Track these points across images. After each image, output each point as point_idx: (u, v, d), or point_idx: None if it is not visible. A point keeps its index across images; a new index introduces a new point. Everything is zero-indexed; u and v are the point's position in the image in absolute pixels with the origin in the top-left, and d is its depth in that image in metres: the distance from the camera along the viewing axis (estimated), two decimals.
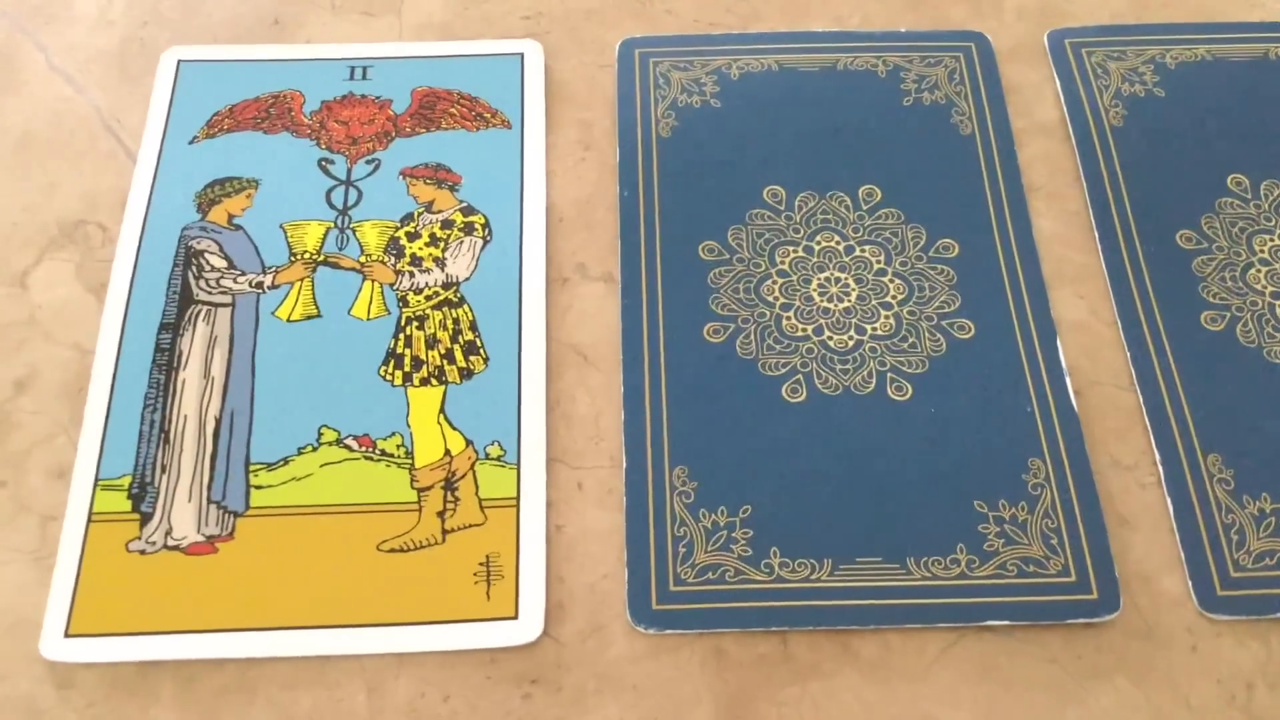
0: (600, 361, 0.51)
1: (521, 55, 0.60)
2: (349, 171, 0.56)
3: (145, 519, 0.47)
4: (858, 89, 0.58)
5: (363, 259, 0.53)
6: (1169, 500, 0.48)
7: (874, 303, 0.52)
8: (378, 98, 0.58)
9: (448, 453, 0.49)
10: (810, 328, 0.51)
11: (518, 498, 0.48)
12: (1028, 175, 0.56)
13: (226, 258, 0.53)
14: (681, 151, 0.56)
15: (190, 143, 0.57)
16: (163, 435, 0.49)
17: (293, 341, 0.51)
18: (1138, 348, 0.51)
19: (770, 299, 0.52)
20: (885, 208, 0.55)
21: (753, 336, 0.51)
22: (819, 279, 0.53)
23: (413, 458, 0.48)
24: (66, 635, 0.44)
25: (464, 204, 0.55)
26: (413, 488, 0.48)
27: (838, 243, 0.54)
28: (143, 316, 0.52)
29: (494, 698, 0.44)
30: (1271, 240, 0.54)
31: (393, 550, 0.46)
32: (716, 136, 0.57)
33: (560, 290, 0.53)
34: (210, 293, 0.52)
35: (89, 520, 0.47)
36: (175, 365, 0.50)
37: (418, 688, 0.44)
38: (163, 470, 0.48)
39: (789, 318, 0.52)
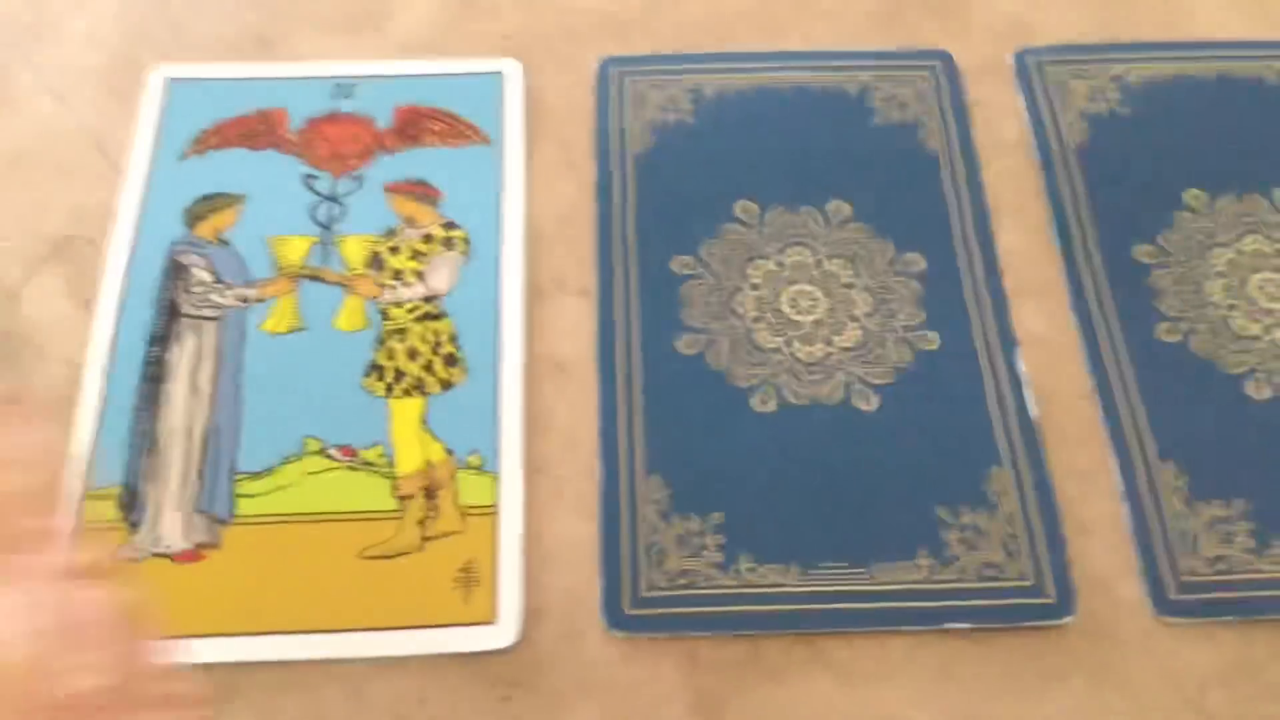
0: (577, 373, 0.53)
1: (502, 74, 0.61)
2: (333, 187, 0.57)
3: (134, 527, 0.48)
4: (828, 107, 0.60)
5: (346, 273, 0.55)
6: (1125, 507, 0.49)
7: (842, 315, 0.54)
8: (361, 115, 0.60)
9: (428, 462, 0.50)
10: (780, 340, 0.53)
11: (496, 506, 0.49)
12: (992, 192, 0.58)
13: (213, 272, 0.55)
14: (657, 168, 0.58)
15: (178, 159, 0.58)
16: (151, 446, 0.50)
17: (278, 354, 0.52)
18: (1096, 359, 0.53)
19: (741, 312, 0.54)
20: (854, 223, 0.56)
21: (724, 349, 0.53)
22: (789, 292, 0.54)
23: (394, 467, 0.50)
24: None
25: (445, 219, 0.56)
26: (394, 496, 0.49)
27: (808, 257, 0.55)
28: (131, 330, 0.53)
29: (472, 701, 0.45)
30: (1227, 254, 0.56)
31: (374, 557, 0.48)
32: (691, 154, 0.58)
33: (539, 304, 0.55)
34: (198, 307, 0.54)
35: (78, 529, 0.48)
36: (163, 378, 0.52)
37: (398, 691, 0.46)
38: (151, 480, 0.49)
39: (760, 330, 0.53)
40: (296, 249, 0.55)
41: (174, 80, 0.61)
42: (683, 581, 0.47)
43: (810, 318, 0.54)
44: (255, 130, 0.59)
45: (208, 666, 0.46)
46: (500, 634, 0.46)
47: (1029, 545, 0.48)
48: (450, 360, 0.52)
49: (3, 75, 0.62)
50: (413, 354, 0.52)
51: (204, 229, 0.56)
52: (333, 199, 0.57)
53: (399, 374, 0.52)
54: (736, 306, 0.54)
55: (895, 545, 0.48)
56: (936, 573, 0.47)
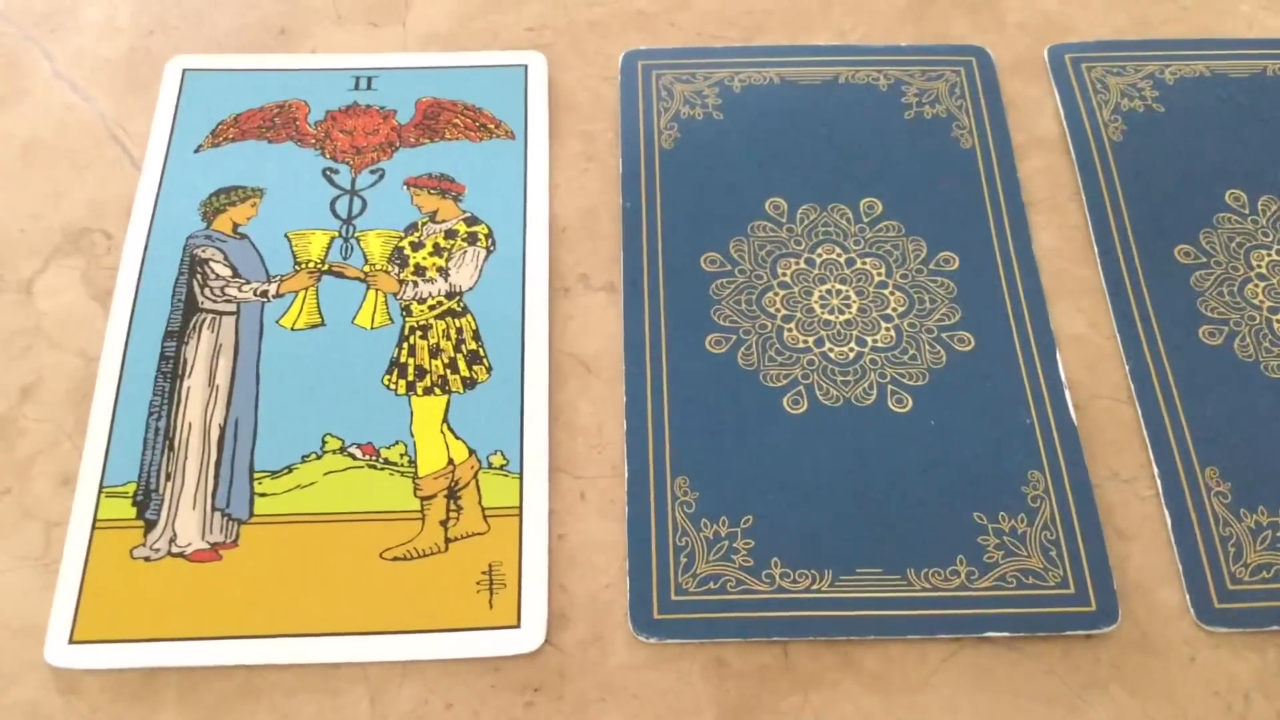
0: (602, 371, 0.52)
1: (525, 67, 0.60)
2: (353, 181, 0.56)
3: (150, 526, 0.47)
4: (859, 102, 0.59)
5: (367, 268, 0.54)
6: (1167, 513, 0.48)
7: (875, 315, 0.53)
8: (382, 108, 0.59)
9: (451, 462, 0.49)
10: (811, 339, 0.52)
11: (520, 507, 0.48)
12: (1028, 189, 0.57)
13: (231, 266, 0.54)
14: (684, 163, 0.57)
15: (195, 151, 0.57)
16: (167, 442, 0.49)
17: (297, 350, 0.51)
18: (1136, 361, 0.51)
19: (772, 310, 0.53)
20: (886, 220, 0.55)
21: (754, 348, 0.51)
22: (820, 291, 0.53)
23: (416, 466, 0.49)
24: (71, 642, 0.45)
25: (467, 214, 0.55)
26: (416, 496, 0.48)
27: (839, 255, 0.54)
28: (148, 324, 0.52)
29: (496, 706, 0.44)
30: (1269, 255, 0.54)
31: (396, 558, 0.47)
32: (719, 149, 0.57)
33: (563, 300, 0.54)
34: (215, 301, 0.53)
35: (94, 527, 0.47)
36: (180, 373, 0.51)
37: (420, 695, 0.44)
38: (167, 477, 0.48)
39: (790, 329, 0.52)
40: (316, 243, 0.54)
41: (192, 71, 0.60)
42: (712, 586, 0.46)
43: (842, 317, 0.52)
44: (274, 122, 0.58)
45: (226, 669, 0.45)
46: (525, 638, 0.45)
47: (1069, 552, 0.47)
48: (473, 357, 0.51)
49: (19, 65, 0.61)
50: (435, 351, 0.51)
51: (222, 222, 0.55)
52: (353, 193, 0.56)
53: (420, 371, 0.51)
54: (766, 305, 0.53)
55: (931, 551, 0.47)
56: (973, 579, 0.46)
